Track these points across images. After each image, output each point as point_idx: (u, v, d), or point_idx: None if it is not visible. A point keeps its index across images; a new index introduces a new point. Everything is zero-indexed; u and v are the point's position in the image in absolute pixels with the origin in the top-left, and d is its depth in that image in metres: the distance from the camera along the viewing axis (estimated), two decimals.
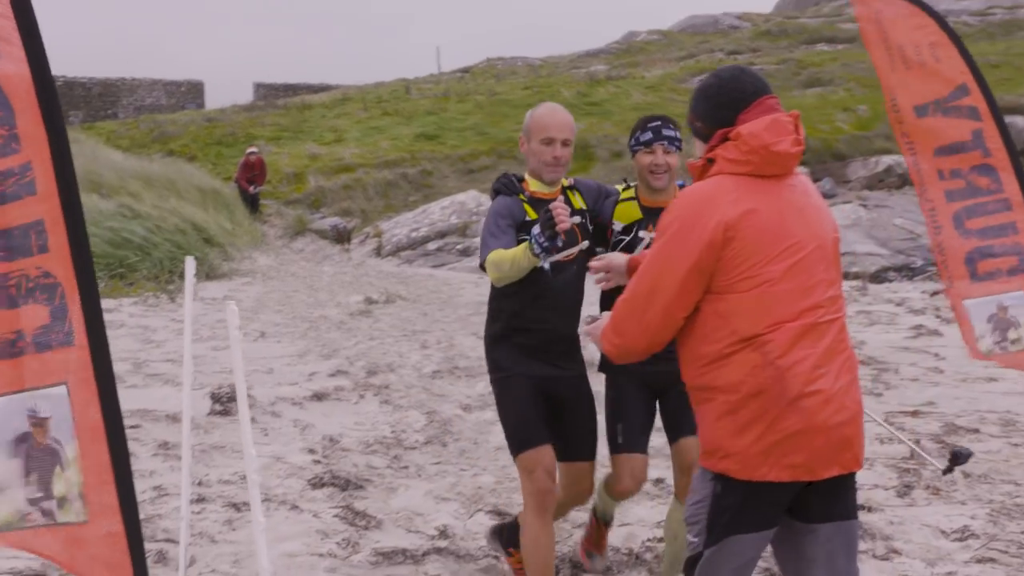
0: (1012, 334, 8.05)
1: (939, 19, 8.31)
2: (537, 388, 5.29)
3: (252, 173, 29.14)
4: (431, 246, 26.07)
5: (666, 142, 5.34)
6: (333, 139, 36.03)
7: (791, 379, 3.56)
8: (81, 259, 3.75)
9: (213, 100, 52.05)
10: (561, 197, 4.99)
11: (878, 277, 20.92)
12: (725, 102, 3.80)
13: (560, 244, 4.77)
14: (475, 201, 27.71)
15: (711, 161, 3.78)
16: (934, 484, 7.58)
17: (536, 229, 4.77)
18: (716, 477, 3.71)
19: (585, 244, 5.04)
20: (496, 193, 5.39)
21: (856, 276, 20.14)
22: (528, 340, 5.27)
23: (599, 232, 5.50)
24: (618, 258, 4.46)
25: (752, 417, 3.59)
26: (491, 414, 9.86)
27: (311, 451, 8.59)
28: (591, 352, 7.08)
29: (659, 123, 5.40)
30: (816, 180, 26.81)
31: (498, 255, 5.04)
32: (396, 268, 24.58)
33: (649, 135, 5.36)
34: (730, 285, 3.62)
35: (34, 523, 3.82)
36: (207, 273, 20.39)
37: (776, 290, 3.59)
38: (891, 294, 18.39)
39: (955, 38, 8.30)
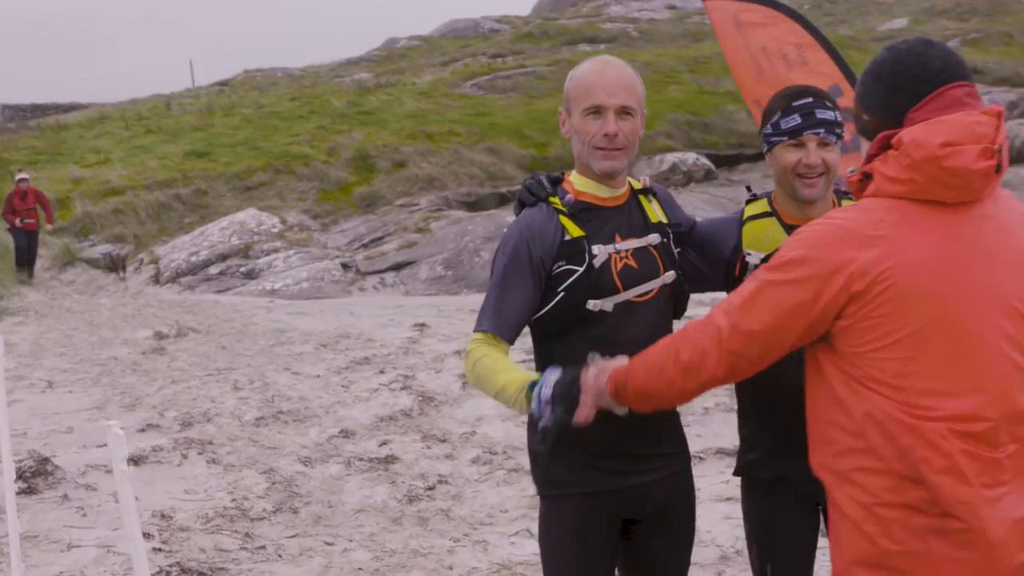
0: None
1: (803, 21, 7.82)
2: (603, 516, 3.51)
3: (25, 207, 24.46)
4: (213, 270, 24.71)
5: (822, 129, 3.54)
6: (96, 161, 34.02)
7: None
8: None
9: None
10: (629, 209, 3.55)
11: None
12: (902, 83, 2.77)
13: (566, 427, 3.07)
14: (255, 220, 26.45)
15: (868, 176, 2.77)
16: None
17: (546, 389, 3.07)
18: None
19: (671, 276, 3.55)
20: (520, 206, 3.57)
21: None
22: (589, 431, 3.14)
23: (708, 261, 3.82)
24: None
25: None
26: (337, 467, 8.87)
27: (145, 535, 7.42)
28: None
29: (810, 100, 3.56)
30: None
31: (485, 361, 3.34)
32: (178, 296, 23.14)
33: (796, 119, 3.54)
34: (859, 355, 2.67)
35: None
36: None
37: (921, 387, 2.62)
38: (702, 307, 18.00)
39: (822, 39, 7.81)
